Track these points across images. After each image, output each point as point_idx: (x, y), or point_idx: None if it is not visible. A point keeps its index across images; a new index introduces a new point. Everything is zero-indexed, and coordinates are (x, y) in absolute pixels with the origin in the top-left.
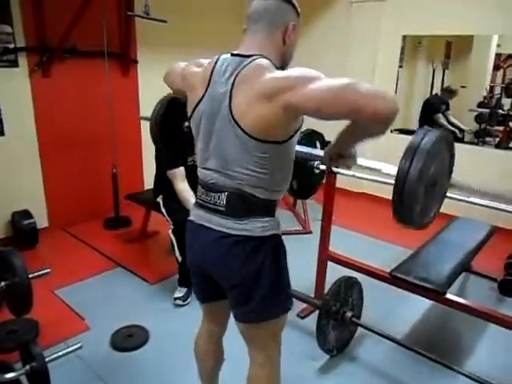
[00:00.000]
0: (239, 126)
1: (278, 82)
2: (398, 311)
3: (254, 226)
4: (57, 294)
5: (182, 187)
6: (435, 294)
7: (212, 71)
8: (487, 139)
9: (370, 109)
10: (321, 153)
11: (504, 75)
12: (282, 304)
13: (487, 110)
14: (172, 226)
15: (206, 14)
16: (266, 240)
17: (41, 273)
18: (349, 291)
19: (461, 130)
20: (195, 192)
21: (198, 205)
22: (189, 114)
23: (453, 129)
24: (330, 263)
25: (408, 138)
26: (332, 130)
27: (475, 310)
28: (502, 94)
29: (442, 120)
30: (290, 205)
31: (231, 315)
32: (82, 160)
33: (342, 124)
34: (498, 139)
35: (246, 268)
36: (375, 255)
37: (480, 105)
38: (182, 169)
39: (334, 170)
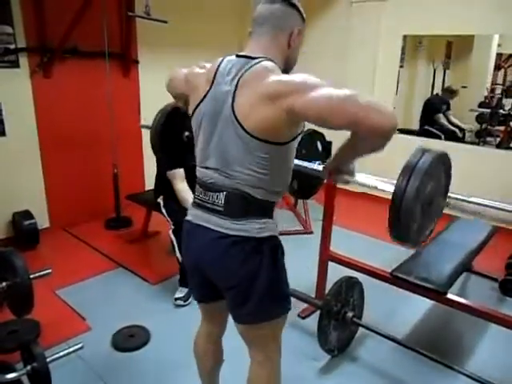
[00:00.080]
0: (241, 126)
1: (281, 85)
2: (399, 311)
3: (252, 227)
4: (58, 295)
5: (181, 187)
6: (436, 294)
7: (216, 72)
8: (488, 139)
9: (369, 122)
10: (320, 167)
11: (505, 75)
12: (280, 305)
13: (488, 110)
14: (172, 227)
15: (206, 14)
16: (264, 241)
17: (42, 273)
18: (350, 291)
19: (461, 130)
20: (194, 192)
21: (196, 204)
22: (190, 113)
23: (453, 128)
24: (330, 263)
25: (408, 138)
26: (333, 131)
27: (476, 310)
28: (503, 95)
29: (443, 120)
30: (291, 205)
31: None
32: (82, 160)
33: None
34: (498, 139)
35: (244, 268)
36: (376, 255)
37: (481, 105)
38: (181, 169)
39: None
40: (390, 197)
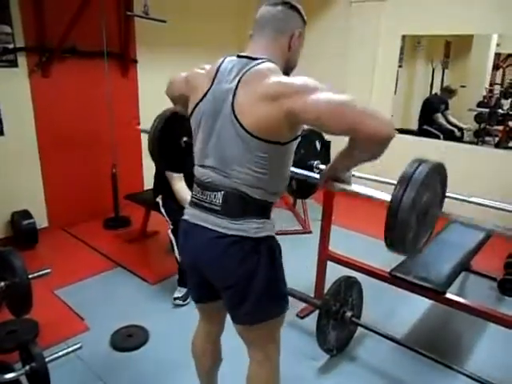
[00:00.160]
0: (241, 125)
1: (281, 87)
2: (397, 311)
3: (250, 227)
4: (56, 294)
5: (180, 187)
6: (435, 293)
7: (217, 71)
8: (487, 139)
9: (367, 128)
10: (317, 175)
11: (503, 75)
12: (278, 304)
13: (487, 110)
14: (171, 226)
15: (205, 14)
16: (262, 241)
17: (41, 273)
18: (349, 291)
19: (460, 129)
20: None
21: (193, 204)
22: (189, 112)
23: (452, 128)
24: (329, 263)
25: (407, 138)
26: None
27: (475, 310)
28: (501, 96)
29: (442, 120)
30: (290, 204)
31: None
32: (81, 160)
33: None
34: (497, 139)
35: (242, 268)
36: (375, 255)
37: (479, 104)
38: None
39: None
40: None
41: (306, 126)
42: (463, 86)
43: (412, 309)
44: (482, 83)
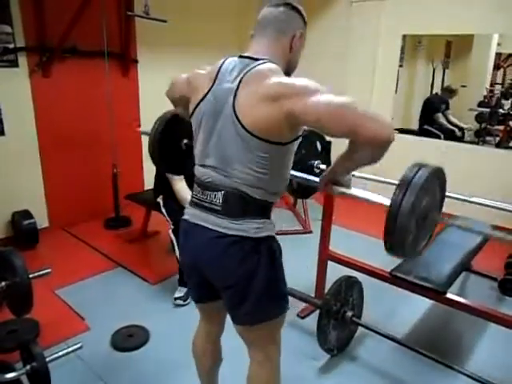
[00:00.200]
0: (242, 125)
1: (282, 87)
2: (398, 311)
3: (250, 227)
4: (57, 294)
5: (180, 187)
6: (435, 293)
7: (218, 71)
8: (487, 138)
9: (367, 130)
10: (317, 179)
11: (504, 74)
12: (278, 305)
13: (487, 110)
14: (172, 226)
15: (205, 14)
16: (262, 241)
17: (41, 273)
18: (349, 291)
19: (460, 129)
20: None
21: (194, 203)
22: (190, 112)
23: (452, 128)
24: (330, 263)
25: (408, 138)
26: None
27: (475, 310)
28: (501, 97)
29: (442, 119)
30: (290, 204)
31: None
32: (82, 160)
33: None
34: (498, 138)
35: (242, 268)
36: (375, 255)
37: (480, 104)
38: None
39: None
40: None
41: (306, 127)
42: (464, 86)
43: (412, 309)
44: (483, 83)
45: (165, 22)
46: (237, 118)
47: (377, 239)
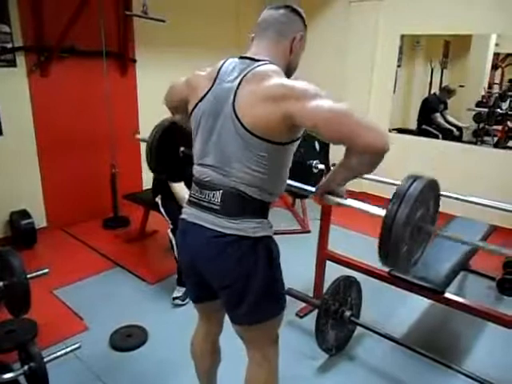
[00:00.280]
0: (242, 124)
1: (282, 89)
2: (396, 310)
3: (248, 226)
4: (55, 294)
5: (179, 187)
6: (434, 293)
7: (218, 71)
8: (486, 138)
9: (361, 139)
10: (313, 189)
11: (502, 74)
12: (275, 305)
13: (485, 110)
14: (171, 226)
15: (204, 13)
16: (259, 241)
17: (39, 273)
18: (347, 290)
19: (459, 129)
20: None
21: (192, 203)
22: (189, 111)
23: (450, 128)
24: (328, 262)
25: (406, 137)
26: None
27: (474, 309)
28: (499, 99)
29: (440, 119)
30: (289, 204)
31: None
32: (80, 160)
33: None
34: (496, 138)
35: (240, 268)
36: (374, 254)
37: (478, 104)
38: None
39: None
40: (388, 196)
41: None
42: (462, 86)
43: (411, 308)
44: (481, 83)
45: (163, 21)
46: (237, 117)
47: (375, 239)
